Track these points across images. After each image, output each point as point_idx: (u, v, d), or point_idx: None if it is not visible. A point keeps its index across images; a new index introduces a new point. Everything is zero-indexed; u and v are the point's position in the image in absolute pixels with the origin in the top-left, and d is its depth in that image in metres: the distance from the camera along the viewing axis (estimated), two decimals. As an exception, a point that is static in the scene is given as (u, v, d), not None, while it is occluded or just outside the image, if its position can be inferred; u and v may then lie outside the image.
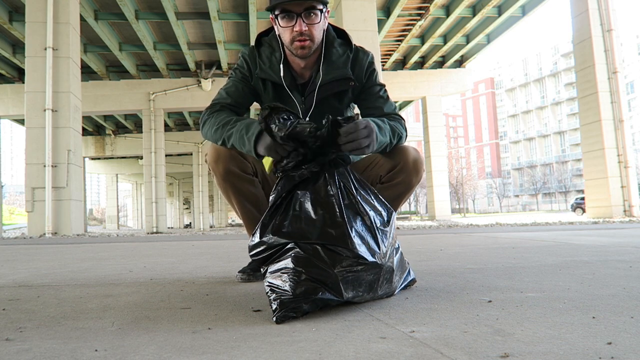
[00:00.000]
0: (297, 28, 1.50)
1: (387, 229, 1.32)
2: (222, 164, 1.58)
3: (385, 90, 1.70)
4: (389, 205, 1.37)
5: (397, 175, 1.57)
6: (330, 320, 1.08)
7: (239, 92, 1.66)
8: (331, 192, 1.26)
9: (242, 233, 7.89)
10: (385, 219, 1.33)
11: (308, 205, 1.24)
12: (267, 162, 1.43)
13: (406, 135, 1.62)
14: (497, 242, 3.71)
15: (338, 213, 1.23)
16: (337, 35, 1.67)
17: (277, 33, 1.61)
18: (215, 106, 1.63)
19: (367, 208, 1.30)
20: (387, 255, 1.29)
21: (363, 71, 1.65)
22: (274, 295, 1.13)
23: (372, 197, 1.34)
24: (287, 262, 1.17)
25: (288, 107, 1.64)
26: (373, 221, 1.28)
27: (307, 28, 1.50)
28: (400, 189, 1.59)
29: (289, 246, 1.20)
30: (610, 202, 11.42)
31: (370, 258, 1.21)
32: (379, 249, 1.25)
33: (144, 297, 1.47)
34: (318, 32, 1.54)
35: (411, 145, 1.63)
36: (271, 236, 1.22)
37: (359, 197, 1.30)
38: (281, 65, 1.60)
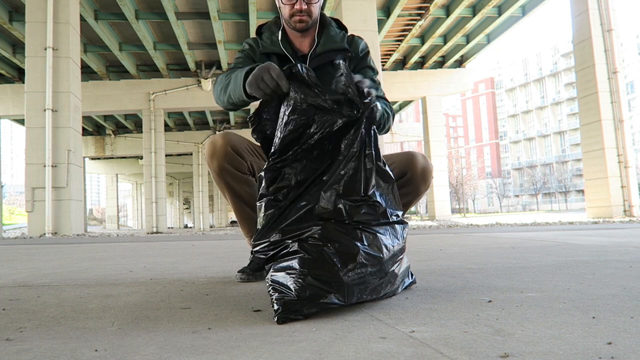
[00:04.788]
0: (297, 6, 1.61)
1: (403, 231, 1.32)
2: (216, 161, 1.60)
3: (377, 75, 1.77)
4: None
5: (406, 184, 1.61)
6: (330, 320, 1.08)
7: (247, 65, 1.69)
8: (365, 151, 1.24)
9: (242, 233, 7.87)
10: (400, 222, 1.33)
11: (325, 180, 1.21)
12: None
13: (393, 116, 1.67)
14: (497, 242, 3.71)
15: (363, 182, 1.22)
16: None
17: (277, 5, 1.70)
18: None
19: (390, 206, 1.29)
20: (396, 261, 1.28)
21: (358, 50, 1.75)
22: (276, 294, 1.11)
23: (396, 195, 1.34)
24: (293, 263, 1.15)
25: None
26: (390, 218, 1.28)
27: (306, 7, 1.61)
28: (408, 198, 1.64)
29: (294, 248, 1.17)
30: (610, 202, 11.41)
31: (384, 253, 1.21)
32: (389, 251, 1.24)
33: (144, 297, 1.47)
34: (316, 9, 1.65)
35: (420, 153, 1.68)
36: (276, 235, 1.20)
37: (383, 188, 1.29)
38: (280, 44, 1.69)
